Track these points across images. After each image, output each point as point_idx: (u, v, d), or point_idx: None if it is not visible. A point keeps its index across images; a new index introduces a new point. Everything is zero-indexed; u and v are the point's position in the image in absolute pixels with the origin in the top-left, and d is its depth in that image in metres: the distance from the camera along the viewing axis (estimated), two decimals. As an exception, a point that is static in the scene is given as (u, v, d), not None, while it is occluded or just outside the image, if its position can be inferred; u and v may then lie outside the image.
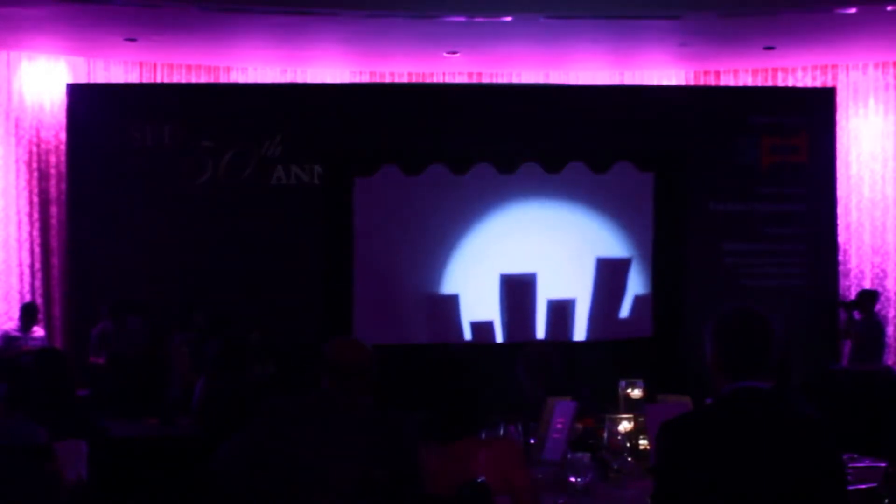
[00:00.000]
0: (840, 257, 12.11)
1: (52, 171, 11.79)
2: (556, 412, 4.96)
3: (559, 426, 4.89)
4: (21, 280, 11.57)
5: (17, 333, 10.68)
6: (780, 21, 10.55)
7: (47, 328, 11.43)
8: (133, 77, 12.30)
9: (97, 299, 10.16)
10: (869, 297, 11.29)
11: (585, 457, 4.17)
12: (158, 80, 12.38)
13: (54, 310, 11.80)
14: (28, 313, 10.80)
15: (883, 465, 4.35)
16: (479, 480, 3.83)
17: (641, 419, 4.88)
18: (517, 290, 10.98)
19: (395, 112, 10.93)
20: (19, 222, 11.62)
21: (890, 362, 11.67)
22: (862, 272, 12.44)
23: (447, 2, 10.17)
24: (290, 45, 11.72)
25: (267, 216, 10.68)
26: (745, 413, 2.91)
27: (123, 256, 10.52)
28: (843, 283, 12.19)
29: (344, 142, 10.84)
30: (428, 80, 12.83)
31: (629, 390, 5.12)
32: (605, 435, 4.62)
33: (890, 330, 12.10)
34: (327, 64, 12.55)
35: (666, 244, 11.15)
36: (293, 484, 3.91)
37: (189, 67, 12.51)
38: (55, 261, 11.80)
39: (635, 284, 11.20)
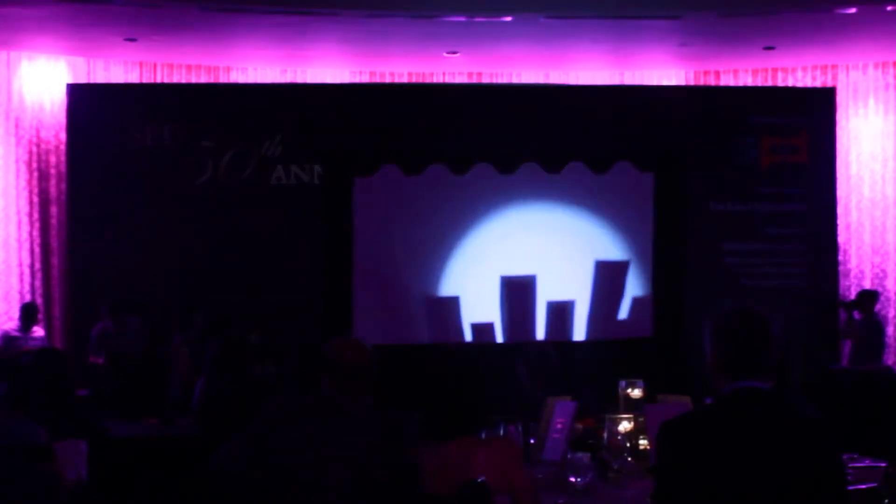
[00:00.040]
0: (840, 257, 12.11)
1: (52, 171, 11.79)
2: (556, 412, 4.97)
3: (559, 426, 4.89)
4: (21, 280, 11.57)
5: (17, 333, 10.68)
6: (780, 21, 10.55)
7: (47, 328, 11.43)
8: (133, 77, 12.30)
9: (97, 299, 10.16)
10: (869, 297, 11.29)
11: (585, 457, 4.18)
12: (158, 80, 12.38)
13: (54, 310, 11.80)
14: (28, 313, 10.80)
15: (883, 465, 4.35)
16: (479, 480, 3.84)
17: (641, 419, 4.89)
18: (517, 292, 10.98)
19: (395, 112, 10.93)
20: (19, 222, 11.62)
21: (890, 362, 11.67)
22: (862, 272, 12.45)
23: (447, 2, 10.16)
24: (290, 45, 11.72)
25: (267, 216, 10.67)
26: (745, 413, 2.91)
27: (123, 256, 10.52)
28: (843, 283, 12.19)
29: (344, 142, 10.83)
30: (428, 80, 12.83)
31: (629, 390, 5.13)
32: (605, 435, 4.62)
33: (890, 330, 12.10)
34: (327, 64, 12.55)
35: (666, 244, 11.14)
36: (293, 484, 3.92)
37: (189, 67, 12.51)
38: (55, 261, 11.80)
39: (635, 285, 11.20)
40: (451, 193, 10.92)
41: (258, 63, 12.53)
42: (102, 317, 9.98)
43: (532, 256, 10.96)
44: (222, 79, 12.57)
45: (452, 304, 10.91)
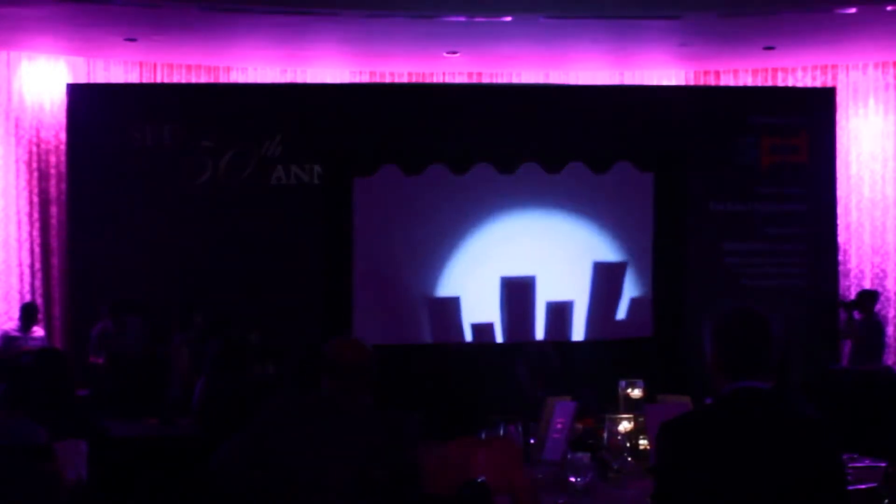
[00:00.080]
0: (840, 257, 12.11)
1: (52, 171, 11.79)
2: (556, 412, 4.97)
3: (559, 426, 4.89)
4: (21, 280, 11.57)
5: (17, 333, 10.68)
6: (780, 21, 10.55)
7: (47, 328, 11.44)
8: (133, 77, 12.30)
9: (97, 299, 10.16)
10: (869, 297, 11.29)
11: (585, 457, 4.17)
12: (158, 80, 12.38)
13: (54, 310, 11.80)
14: (28, 313, 10.80)
15: (883, 465, 4.35)
16: (479, 480, 3.84)
17: (641, 419, 4.89)
18: (517, 293, 10.98)
19: (395, 112, 10.93)
20: (19, 222, 11.62)
21: (890, 362, 11.67)
22: (862, 272, 12.45)
23: (447, 2, 10.16)
24: (290, 45, 11.72)
25: (267, 216, 10.67)
26: (745, 413, 2.91)
27: (123, 256, 10.52)
28: (843, 283, 12.19)
29: (344, 142, 10.83)
30: (428, 80, 12.83)
31: (629, 390, 5.12)
32: (605, 435, 4.62)
33: (890, 330, 12.10)
34: (327, 64, 12.55)
35: (666, 244, 11.14)
36: (293, 484, 3.92)
37: (189, 67, 12.51)
38: (55, 261, 11.80)
39: (635, 285, 11.19)
40: (451, 193, 10.91)
41: (258, 63, 12.53)
42: (102, 317, 9.98)
43: (531, 257, 10.96)
44: (222, 79, 12.57)
45: (453, 304, 10.91)
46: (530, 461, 4.73)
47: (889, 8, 10.08)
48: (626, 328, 11.11)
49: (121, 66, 12.22)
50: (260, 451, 3.98)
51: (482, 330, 10.92)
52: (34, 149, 11.74)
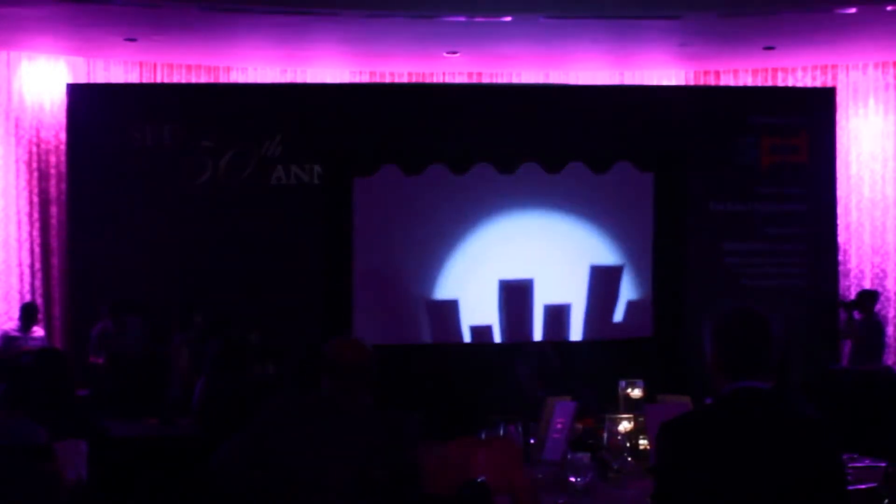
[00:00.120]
0: (840, 257, 12.11)
1: (52, 171, 11.79)
2: (556, 412, 4.97)
3: (559, 426, 4.89)
4: (21, 280, 11.57)
5: (17, 333, 10.68)
6: (780, 21, 10.55)
7: (47, 328, 11.44)
8: (133, 77, 12.30)
9: (97, 299, 10.16)
10: (869, 297, 11.29)
11: (585, 457, 4.17)
12: (158, 80, 12.38)
13: (54, 310, 11.80)
14: (28, 313, 10.80)
15: (883, 465, 4.35)
16: (479, 480, 3.84)
17: (641, 419, 4.89)
18: (515, 295, 10.98)
19: (395, 112, 10.93)
20: (19, 222, 11.62)
21: (890, 362, 11.67)
22: (862, 272, 12.45)
23: (447, 2, 10.16)
24: (290, 45, 11.72)
25: (267, 216, 10.67)
26: (745, 413, 2.91)
27: (123, 256, 10.52)
28: (843, 283, 12.19)
29: (344, 142, 10.84)
30: (428, 80, 12.83)
31: (629, 390, 5.13)
32: (605, 435, 4.62)
33: (890, 330, 12.10)
34: (327, 64, 12.55)
35: (666, 244, 11.14)
36: (293, 484, 3.92)
37: (189, 67, 12.51)
38: (55, 261, 11.80)
39: (635, 285, 11.19)
40: (451, 193, 10.92)
41: (258, 63, 12.53)
42: (102, 317, 9.98)
43: (530, 259, 10.96)
44: (222, 79, 12.57)
45: (451, 307, 10.91)
46: (530, 461, 4.73)
47: (889, 8, 10.08)
48: (626, 328, 11.11)
49: (121, 66, 12.22)
50: (260, 451, 3.98)
51: (481, 332, 10.93)
52: (34, 149, 11.74)
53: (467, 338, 10.95)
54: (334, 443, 3.94)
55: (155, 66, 12.40)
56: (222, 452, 4.13)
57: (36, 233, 11.71)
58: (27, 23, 10.53)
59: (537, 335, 10.99)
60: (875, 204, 12.44)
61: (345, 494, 3.87)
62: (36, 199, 11.73)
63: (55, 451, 4.75)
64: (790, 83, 12.66)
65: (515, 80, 12.97)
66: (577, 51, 11.94)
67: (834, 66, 12.61)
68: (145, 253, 10.54)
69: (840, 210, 11.98)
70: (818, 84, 12.57)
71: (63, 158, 11.52)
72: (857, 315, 11.17)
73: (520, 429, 4.79)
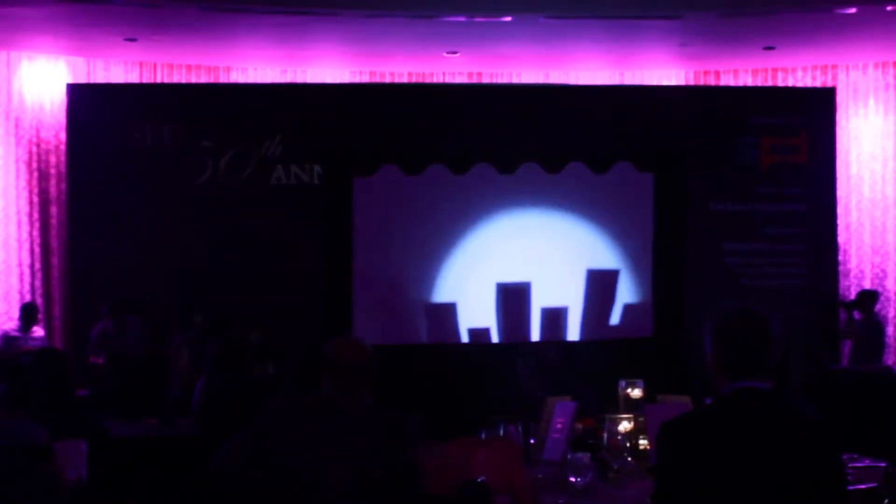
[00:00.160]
0: (840, 257, 12.11)
1: (52, 171, 11.79)
2: (556, 412, 4.97)
3: (559, 426, 4.89)
4: (21, 280, 11.57)
5: (17, 333, 10.68)
6: (780, 21, 10.55)
7: (47, 328, 11.44)
8: (133, 77, 12.30)
9: (97, 299, 10.16)
10: (869, 297, 11.29)
11: (585, 457, 4.17)
12: (158, 80, 12.38)
13: (54, 310, 11.80)
14: (28, 313, 10.80)
15: (883, 465, 4.35)
16: (479, 480, 3.84)
17: (641, 419, 4.89)
18: (512, 299, 10.98)
19: (395, 112, 10.92)
20: (19, 222, 11.62)
21: (890, 362, 11.67)
22: (862, 272, 12.45)
23: (447, 2, 10.16)
24: (290, 45, 11.72)
25: (267, 216, 10.67)
26: (745, 413, 2.91)
27: (123, 256, 10.52)
28: (843, 283, 12.19)
29: (344, 142, 10.83)
30: (428, 80, 12.83)
31: (629, 390, 5.12)
32: (605, 435, 4.62)
33: (890, 330, 12.10)
34: (327, 64, 12.55)
35: (666, 244, 11.14)
36: (293, 484, 3.92)
37: (189, 67, 12.51)
38: (55, 261, 11.80)
39: (634, 285, 11.19)
40: (450, 193, 10.92)
41: (258, 63, 12.53)
42: (102, 317, 9.98)
43: (529, 260, 10.95)
44: (222, 79, 12.57)
45: (450, 310, 10.91)
46: (530, 461, 4.73)
47: (889, 8, 10.08)
48: (626, 328, 11.11)
49: (121, 66, 12.22)
50: (260, 451, 3.98)
51: (478, 335, 10.93)
52: (34, 149, 11.74)
53: (465, 340, 10.94)
54: (334, 443, 3.94)
55: (155, 66, 12.40)
56: (222, 452, 4.13)
57: (36, 233, 11.71)
58: (27, 23, 10.53)
59: (535, 338, 10.98)
60: (875, 204, 12.44)
61: (345, 494, 3.87)
62: (36, 199, 11.73)
63: (55, 451, 4.75)
64: (790, 83, 12.66)
65: (515, 80, 12.97)
66: (577, 51, 11.94)
67: (834, 66, 12.61)
68: (145, 253, 10.54)
69: (840, 210, 11.98)
70: (818, 84, 12.57)
71: (63, 158, 11.52)
72: (857, 315, 11.17)
73: (520, 429, 4.79)
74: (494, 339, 10.98)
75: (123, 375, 8.78)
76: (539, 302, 11.00)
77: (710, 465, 2.86)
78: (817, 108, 11.71)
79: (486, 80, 12.93)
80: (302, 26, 10.72)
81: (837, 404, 7.68)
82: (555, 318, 11.00)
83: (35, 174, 11.72)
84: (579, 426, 5.11)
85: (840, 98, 12.29)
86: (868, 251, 12.45)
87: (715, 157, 11.17)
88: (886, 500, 3.98)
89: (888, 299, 12.25)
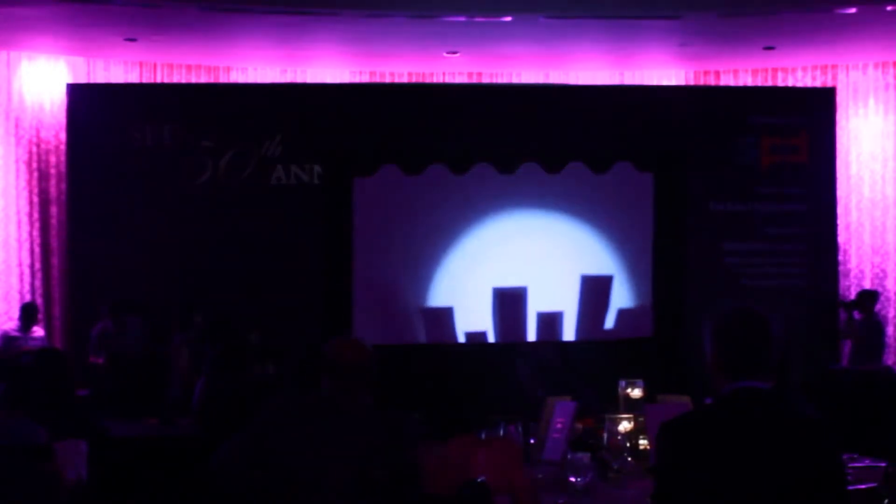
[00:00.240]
0: (840, 257, 12.11)
1: (52, 171, 11.79)
2: (556, 412, 4.97)
3: (559, 426, 4.89)
4: (21, 280, 11.57)
5: (17, 333, 10.68)
6: (780, 21, 10.55)
7: (47, 328, 11.44)
8: (133, 77, 12.30)
9: (97, 299, 10.16)
10: (869, 297, 11.29)
11: (585, 457, 4.17)
12: (158, 80, 12.38)
13: (54, 310, 11.80)
14: (28, 313, 10.80)
15: (883, 465, 4.35)
16: (479, 480, 3.84)
17: (641, 419, 4.89)
18: (509, 303, 10.97)
19: (395, 112, 10.92)
20: (19, 222, 11.63)
21: (890, 362, 11.67)
22: (862, 272, 12.45)
23: (447, 2, 10.16)
24: (290, 45, 11.72)
25: (267, 216, 10.67)
26: (745, 413, 2.91)
27: (123, 256, 10.51)
28: (843, 283, 12.19)
29: (344, 142, 10.83)
30: (428, 80, 12.83)
31: (629, 390, 5.13)
32: (605, 435, 4.62)
33: (890, 330, 12.10)
34: (327, 64, 12.55)
35: (666, 244, 11.14)
36: (293, 484, 3.92)
37: (189, 67, 12.51)
38: (55, 261, 11.80)
39: (634, 287, 11.19)
40: (451, 193, 10.91)
41: (258, 63, 12.53)
42: (102, 317, 9.98)
43: (526, 264, 10.93)
44: (222, 79, 12.57)
45: (447, 314, 10.91)
46: (530, 461, 4.73)
47: (889, 8, 10.08)
48: (625, 329, 11.10)
49: (121, 66, 12.22)
50: (260, 451, 3.98)
51: (475, 339, 10.92)
52: (34, 149, 11.74)
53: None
54: (334, 443, 3.94)
55: (155, 66, 12.40)
56: (222, 452, 4.13)
57: (36, 233, 11.71)
58: (27, 23, 10.53)
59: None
60: (875, 204, 12.44)
61: (345, 494, 3.87)
62: (36, 199, 11.73)
63: (55, 451, 4.75)
64: (790, 83, 12.67)
65: (515, 80, 12.97)
66: (577, 51, 11.94)
67: (834, 66, 12.61)
68: (145, 253, 10.54)
69: (840, 210, 11.98)
70: (818, 84, 12.57)
71: (63, 158, 11.52)
72: (857, 315, 11.17)
73: (520, 429, 4.79)
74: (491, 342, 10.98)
75: (123, 375, 8.78)
76: (535, 306, 11.00)
77: (710, 465, 2.86)
78: (817, 108, 11.71)
79: (486, 80, 12.93)
80: (302, 26, 10.72)
81: (837, 404, 7.68)
82: (551, 322, 11.00)
83: (35, 174, 11.72)
84: (579, 426, 5.11)
85: (840, 98, 12.29)
86: (868, 251, 12.45)
87: (715, 157, 11.17)
88: (886, 500, 3.98)
89: (888, 299, 12.25)
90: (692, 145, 11.13)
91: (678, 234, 11.17)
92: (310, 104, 11.06)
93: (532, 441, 4.94)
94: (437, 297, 10.93)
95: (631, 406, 5.06)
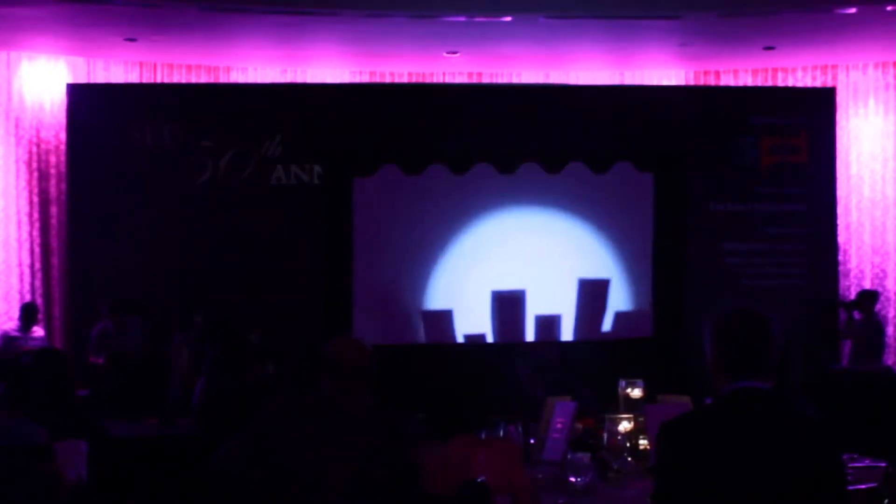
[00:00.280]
0: (840, 257, 12.11)
1: (52, 171, 11.79)
2: (556, 412, 4.97)
3: (559, 426, 4.89)
4: (21, 280, 11.57)
5: (17, 333, 10.68)
6: (780, 21, 10.55)
7: (47, 328, 11.44)
8: (133, 77, 12.30)
9: (97, 299, 10.16)
10: (869, 297, 11.29)
11: (585, 457, 4.18)
12: (158, 80, 12.38)
13: (54, 310, 11.80)
14: (28, 313, 10.80)
15: (883, 465, 4.35)
16: (479, 480, 3.84)
17: (641, 419, 4.89)
18: (507, 306, 10.98)
19: (395, 112, 10.92)
20: (19, 222, 11.63)
21: (890, 362, 11.67)
22: (862, 272, 12.45)
23: (447, 2, 10.16)
24: (290, 45, 11.72)
25: (267, 216, 10.67)
26: (745, 413, 2.91)
27: (123, 256, 10.52)
28: (843, 283, 12.19)
29: (344, 142, 10.83)
30: (428, 80, 12.83)
31: (629, 390, 5.13)
32: (605, 435, 4.62)
33: (890, 330, 12.10)
34: (327, 64, 12.55)
35: (666, 244, 11.14)
36: (293, 484, 3.92)
37: (189, 67, 12.51)
38: (55, 261, 11.80)
39: (634, 287, 11.19)
40: (450, 193, 10.92)
41: (258, 63, 12.53)
42: (102, 317, 9.98)
43: (525, 265, 10.92)
44: (222, 79, 12.57)
45: (446, 316, 10.90)
46: (530, 461, 4.73)
47: (889, 8, 10.08)
48: (624, 330, 11.10)
49: (121, 66, 12.22)
50: (260, 451, 3.98)
51: (474, 341, 10.92)
52: (34, 149, 11.74)
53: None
54: (334, 443, 3.94)
55: (155, 66, 12.40)
56: (222, 452, 4.13)
57: (36, 233, 11.71)
58: (27, 23, 10.53)
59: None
60: (875, 204, 12.44)
61: (345, 494, 3.87)
62: (36, 199, 11.73)
63: (55, 451, 4.75)
64: (790, 83, 12.67)
65: (515, 80, 12.97)
66: (577, 51, 11.94)
67: (834, 66, 12.61)
68: (145, 253, 10.54)
69: (840, 210, 11.98)
70: (818, 84, 12.57)
71: (63, 158, 11.53)
72: (857, 315, 11.17)
73: (520, 429, 4.79)
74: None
75: (123, 375, 8.77)
76: (534, 309, 11.00)
77: (710, 465, 2.86)
78: (817, 108, 11.71)
79: (486, 80, 12.93)
80: (302, 26, 10.72)
81: (837, 404, 7.68)
82: (549, 325, 11.00)
83: (35, 174, 11.72)
84: (579, 426, 5.11)
85: (840, 98, 12.29)
86: (868, 251, 12.45)
87: (715, 157, 11.17)
88: (886, 500, 3.98)
89: (888, 299, 12.25)
90: (692, 145, 11.13)
91: (678, 234, 11.17)
92: (310, 104, 11.06)
93: (532, 441, 4.94)
94: (437, 296, 10.93)
95: (631, 406, 5.06)
